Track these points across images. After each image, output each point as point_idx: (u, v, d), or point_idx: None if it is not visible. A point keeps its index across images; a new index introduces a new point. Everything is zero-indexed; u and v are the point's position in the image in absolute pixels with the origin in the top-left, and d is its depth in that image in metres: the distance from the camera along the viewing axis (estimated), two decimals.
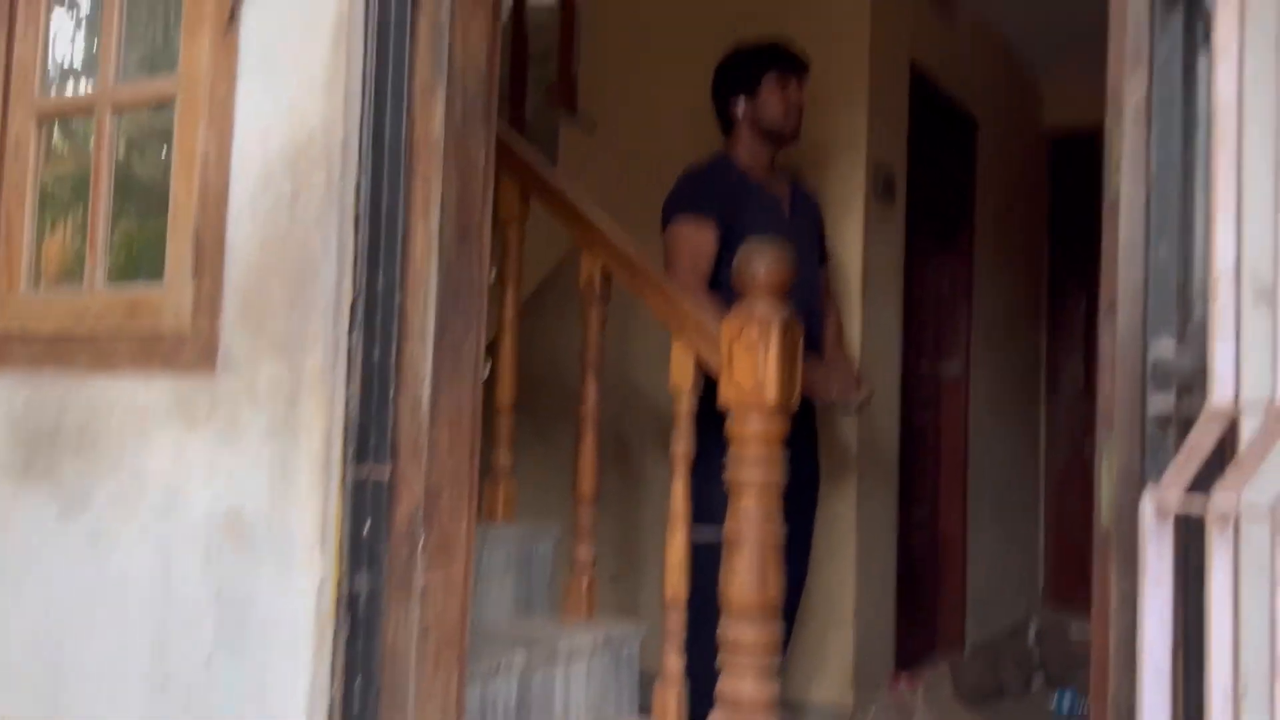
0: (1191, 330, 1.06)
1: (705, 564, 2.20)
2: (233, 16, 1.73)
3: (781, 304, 2.12)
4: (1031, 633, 4.81)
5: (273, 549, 1.67)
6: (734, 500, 2.09)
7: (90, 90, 2.11)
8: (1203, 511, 0.93)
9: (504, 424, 2.57)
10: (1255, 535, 0.97)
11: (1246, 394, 0.99)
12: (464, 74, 1.67)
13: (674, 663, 2.20)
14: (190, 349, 1.75)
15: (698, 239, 2.76)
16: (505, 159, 2.49)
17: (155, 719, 1.78)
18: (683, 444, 2.27)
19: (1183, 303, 1.07)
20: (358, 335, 1.62)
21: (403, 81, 1.63)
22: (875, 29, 3.40)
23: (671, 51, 3.71)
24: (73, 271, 2.14)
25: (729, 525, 2.09)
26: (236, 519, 1.70)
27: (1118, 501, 1.14)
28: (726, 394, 2.11)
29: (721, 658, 2.05)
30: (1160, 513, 0.99)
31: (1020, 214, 4.99)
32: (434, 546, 1.62)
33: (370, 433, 1.61)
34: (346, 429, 1.62)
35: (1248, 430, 1.01)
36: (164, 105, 1.88)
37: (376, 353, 1.62)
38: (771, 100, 2.87)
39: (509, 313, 2.57)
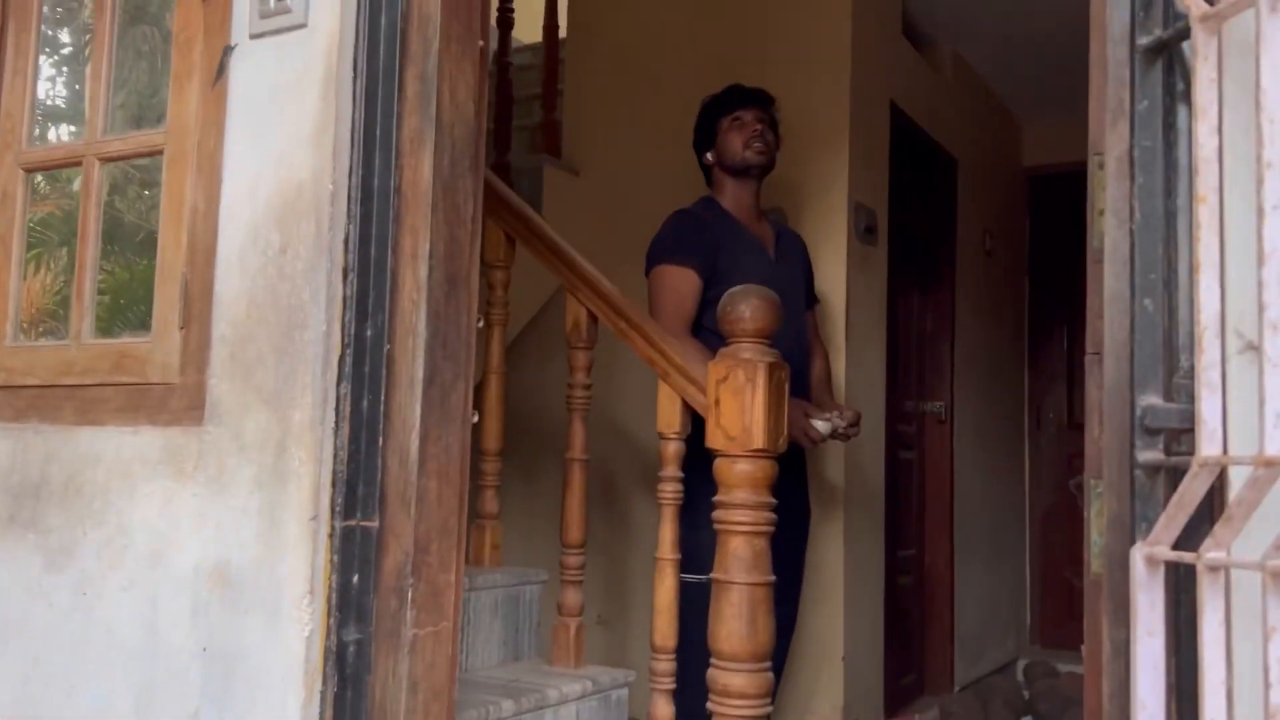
0: (1178, 381, 1.07)
1: (697, 604, 2.20)
2: (221, 69, 1.74)
3: (768, 347, 2.14)
4: (1020, 672, 4.80)
5: (260, 601, 1.66)
6: (722, 545, 2.09)
7: (77, 139, 2.11)
8: (1194, 563, 0.93)
9: (490, 468, 2.57)
10: (1247, 586, 0.97)
11: (1234, 445, 0.99)
12: (452, 126, 1.68)
13: (663, 709, 2.19)
14: (178, 400, 1.74)
15: (680, 282, 2.79)
16: (491, 203, 2.50)
17: None
18: (670, 487, 2.27)
19: (1169, 354, 1.08)
20: (346, 385, 1.62)
21: (391, 133, 1.64)
22: (856, 71, 3.44)
23: (655, 95, 3.74)
24: (59, 320, 2.14)
25: (717, 570, 2.09)
26: (224, 570, 1.69)
27: (1108, 549, 1.15)
28: (714, 437, 2.11)
29: (711, 704, 2.04)
30: (1151, 563, 0.99)
31: (1001, 251, 5.03)
32: (423, 598, 1.61)
33: (359, 483, 1.60)
34: (335, 479, 1.61)
35: (1237, 481, 1.02)
36: (152, 157, 1.88)
37: (365, 403, 1.62)
38: (729, 139, 2.94)
39: (495, 357, 2.58)
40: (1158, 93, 1.11)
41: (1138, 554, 1.00)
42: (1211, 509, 1.06)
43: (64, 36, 2.38)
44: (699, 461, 2.20)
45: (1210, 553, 0.92)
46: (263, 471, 1.66)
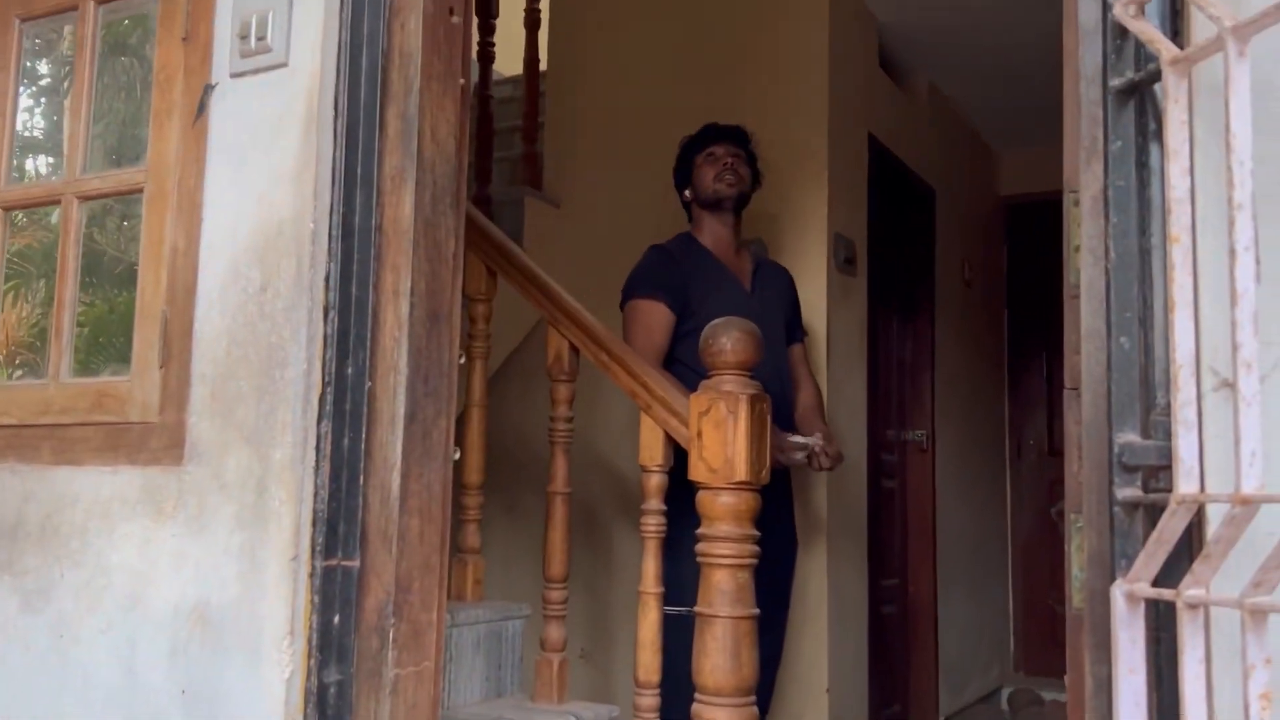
0: (1155, 418, 1.08)
1: (682, 637, 2.19)
2: (201, 108, 1.75)
3: (749, 379, 2.14)
4: (1005, 701, 4.80)
5: (241, 641, 1.64)
6: (705, 578, 2.08)
7: (56, 177, 2.10)
8: (1174, 600, 0.93)
9: (472, 502, 2.56)
10: (1226, 623, 0.98)
11: (1211, 482, 1.00)
12: (433, 163, 1.69)
13: None
14: (157, 439, 1.73)
15: (650, 316, 2.81)
16: (471, 236, 2.50)
17: None
18: (652, 520, 2.27)
19: (1146, 390, 1.09)
20: (327, 424, 1.61)
21: (372, 172, 1.64)
22: (834, 104, 3.47)
23: (635, 127, 3.76)
24: (35, 354, 2.12)
25: (700, 604, 2.09)
26: (204, 611, 1.67)
27: (1088, 584, 1.15)
28: (696, 470, 2.11)
29: None
30: (1131, 600, 1.00)
31: (980, 280, 5.07)
32: (404, 638, 1.59)
33: (339, 522, 1.59)
34: (316, 518, 1.60)
35: (1215, 518, 1.03)
36: (132, 195, 1.88)
37: (346, 440, 1.61)
38: (703, 173, 2.98)
39: (477, 390, 2.57)
40: (1130, 133, 1.12)
41: (1118, 591, 1.01)
42: (1191, 545, 1.07)
43: (42, 68, 2.37)
44: (682, 493, 2.20)
45: (1189, 590, 0.92)
46: (243, 511, 1.65)
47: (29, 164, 2.39)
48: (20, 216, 2.25)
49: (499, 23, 3.92)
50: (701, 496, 2.11)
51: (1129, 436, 1.08)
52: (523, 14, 3.94)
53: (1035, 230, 5.20)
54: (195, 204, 1.75)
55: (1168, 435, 1.03)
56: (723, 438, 2.09)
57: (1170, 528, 0.97)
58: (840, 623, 3.41)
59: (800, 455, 2.78)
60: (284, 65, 1.71)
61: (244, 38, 1.74)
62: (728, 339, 2.14)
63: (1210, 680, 0.98)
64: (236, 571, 1.64)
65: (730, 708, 2.01)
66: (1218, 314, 1.04)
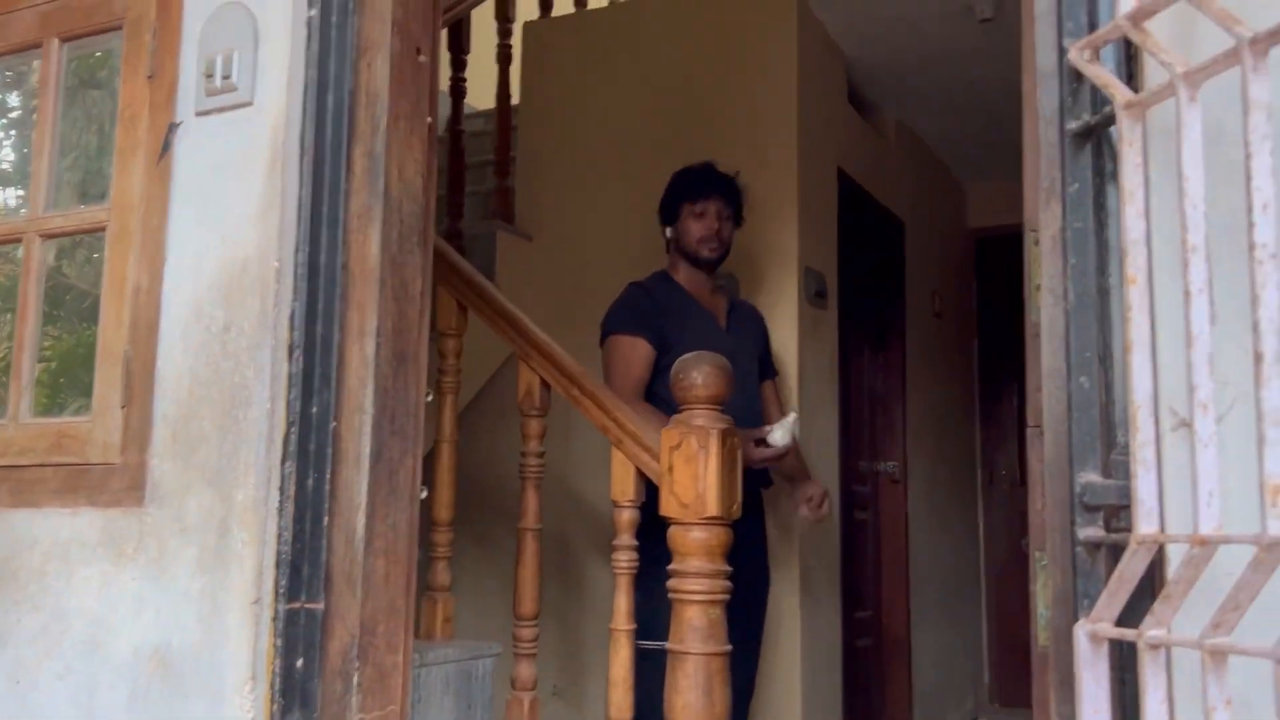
0: (1115, 458, 1.09)
1: (656, 672, 2.18)
2: (166, 146, 1.74)
3: (721, 413, 2.14)
4: None
5: (201, 686, 1.61)
6: (677, 614, 2.07)
7: (19, 215, 2.08)
8: (1135, 640, 0.94)
9: (442, 539, 2.54)
10: (1188, 664, 0.98)
11: (1171, 522, 1.01)
12: (400, 202, 1.69)
13: None
14: (118, 480, 1.71)
15: (630, 351, 2.83)
16: (442, 271, 2.50)
17: None
18: (624, 556, 2.25)
19: (1106, 430, 1.10)
20: (291, 464, 1.60)
21: (338, 210, 1.64)
22: (803, 139, 3.50)
23: (607, 161, 3.78)
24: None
25: (672, 640, 2.07)
26: (164, 655, 1.64)
27: (1053, 624, 1.15)
28: (668, 505, 2.11)
29: None
30: (1094, 641, 1.00)
31: (950, 312, 5.11)
32: (369, 681, 1.57)
33: (303, 564, 1.58)
34: (279, 561, 1.58)
35: (1175, 558, 1.04)
36: (95, 233, 1.86)
37: (310, 481, 1.59)
38: (687, 226, 2.96)
39: (447, 425, 2.56)
40: (1088, 175, 1.14)
41: (1081, 632, 1.01)
42: (1153, 584, 1.07)
43: (13, 100, 2.36)
44: (656, 528, 2.20)
45: (1151, 631, 0.92)
46: (204, 553, 1.62)
47: (0, 196, 2.37)
48: None
49: (471, 58, 3.94)
50: (673, 532, 2.10)
51: (1090, 476, 1.08)
52: (495, 49, 3.96)
53: (1004, 262, 5.23)
54: (159, 242, 1.74)
55: (1128, 475, 1.04)
56: (694, 472, 2.09)
57: (1131, 568, 0.97)
58: (814, 655, 3.40)
59: (778, 437, 2.73)
60: (249, 104, 1.71)
61: (209, 76, 1.74)
62: (699, 373, 2.14)
63: None
64: (197, 615, 1.62)
65: None
66: (1175, 354, 1.04)
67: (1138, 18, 1.03)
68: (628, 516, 2.27)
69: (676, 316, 2.88)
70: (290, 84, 1.69)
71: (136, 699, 1.67)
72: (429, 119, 1.77)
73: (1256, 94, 0.87)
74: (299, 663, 1.56)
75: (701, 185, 2.96)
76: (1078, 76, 1.14)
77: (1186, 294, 0.92)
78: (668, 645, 2.09)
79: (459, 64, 3.89)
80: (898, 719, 4.26)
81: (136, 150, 1.80)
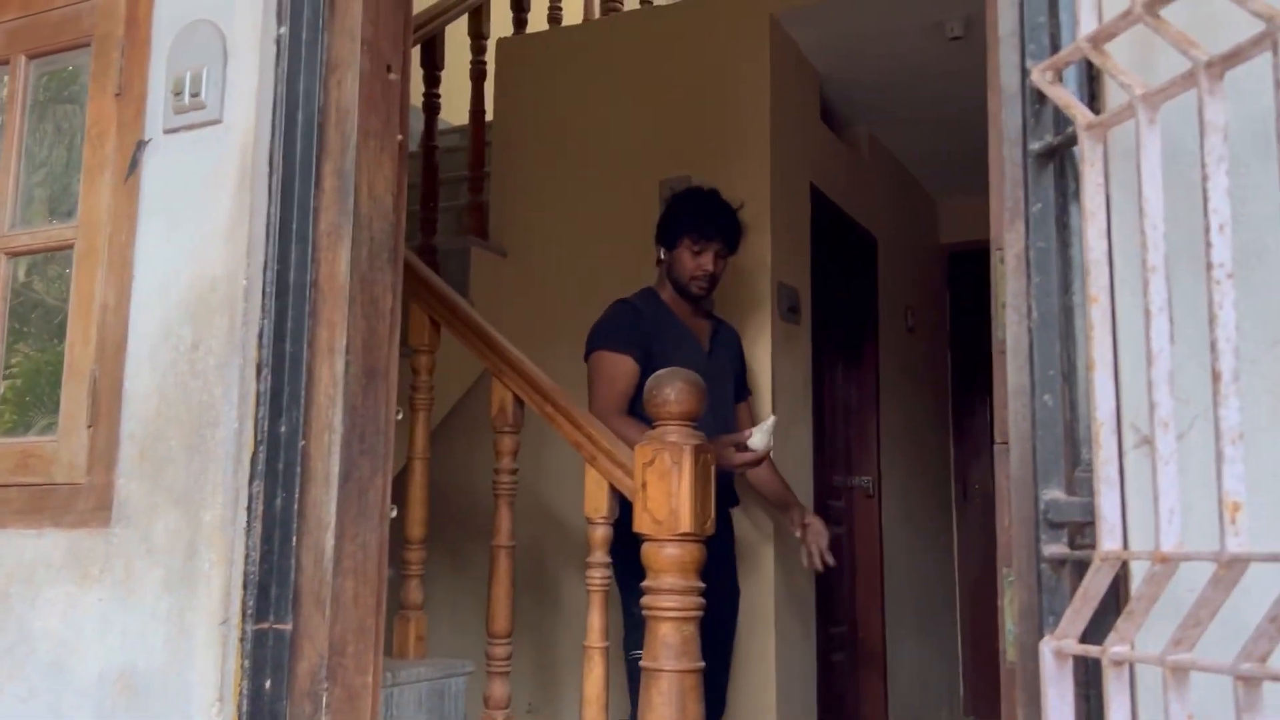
0: (1079, 475, 1.09)
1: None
2: (134, 164, 1.73)
3: (694, 429, 2.14)
4: None
5: (168, 708, 1.60)
6: (651, 631, 2.07)
7: None
8: (1100, 657, 0.94)
9: (414, 557, 2.52)
10: (1151, 680, 0.99)
11: (1135, 539, 1.02)
12: (370, 219, 1.68)
13: None
14: (84, 500, 1.69)
15: (615, 368, 2.81)
16: (414, 287, 2.50)
17: None
18: (598, 573, 2.25)
19: (1070, 447, 1.11)
20: (259, 484, 1.59)
21: (307, 228, 1.63)
22: (776, 155, 3.52)
23: (581, 178, 3.79)
24: None
25: (646, 657, 2.07)
26: (130, 678, 1.62)
27: (1020, 640, 1.16)
28: (641, 521, 2.11)
29: None
30: (1059, 657, 1.00)
31: (923, 327, 5.14)
32: (338, 702, 1.56)
33: (271, 584, 1.56)
34: (247, 581, 1.57)
35: (1139, 574, 1.04)
36: (63, 251, 1.85)
37: (279, 501, 1.58)
38: (683, 259, 2.94)
39: (419, 442, 2.55)
40: (1050, 195, 1.15)
41: (1046, 648, 1.01)
42: (1118, 600, 1.08)
43: None
44: (632, 542, 2.20)
45: (1114, 647, 0.93)
46: (171, 574, 1.61)
47: None
48: None
49: (445, 73, 3.95)
50: (647, 548, 2.10)
51: (1054, 493, 1.09)
52: (468, 65, 3.96)
53: (976, 277, 5.26)
54: (126, 261, 1.73)
55: (1091, 492, 1.05)
56: (667, 489, 2.09)
57: (1095, 584, 0.98)
58: (788, 669, 3.39)
59: (760, 441, 2.71)
60: (218, 122, 1.70)
61: (178, 94, 1.73)
62: (672, 390, 2.14)
63: None
64: (164, 637, 1.60)
65: None
66: (1137, 372, 1.06)
67: (1098, 40, 1.05)
68: (601, 533, 2.27)
69: (662, 336, 2.89)
70: (259, 101, 1.68)
71: None
72: (399, 136, 1.76)
73: (1212, 116, 0.88)
74: (267, 684, 1.55)
75: (707, 228, 2.92)
76: (1040, 98, 1.15)
77: (1147, 313, 0.92)
78: (641, 662, 2.09)
79: (433, 80, 3.89)
80: None
81: (104, 168, 1.79)
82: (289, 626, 1.55)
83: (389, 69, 1.76)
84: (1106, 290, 1.01)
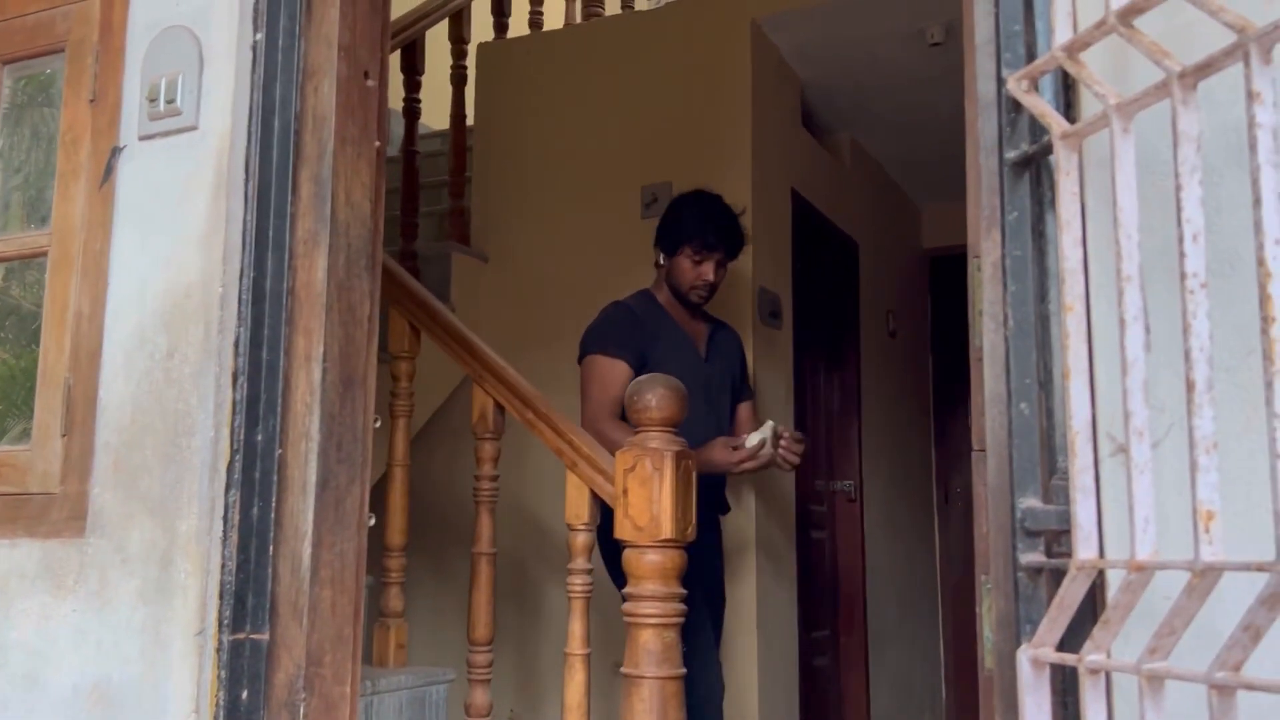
0: (1056, 483, 1.10)
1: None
2: (108, 170, 1.72)
3: (674, 436, 2.14)
4: None
5: None
6: (632, 638, 2.07)
7: None
8: (1076, 665, 0.94)
9: (395, 564, 2.51)
10: (1128, 688, 0.99)
11: (1111, 547, 1.02)
12: (347, 226, 1.67)
13: None
14: (58, 510, 1.67)
15: (608, 372, 2.75)
16: (394, 293, 2.49)
17: None
18: (579, 580, 2.25)
19: (1047, 455, 1.11)
20: (235, 493, 1.57)
21: (284, 235, 1.62)
22: (757, 161, 3.53)
23: (563, 182, 3.78)
24: None
25: (627, 664, 2.06)
26: (105, 690, 1.61)
27: (997, 648, 1.16)
28: (622, 528, 2.10)
29: None
30: (1036, 665, 1.00)
31: (904, 331, 5.15)
32: (316, 713, 1.55)
33: (248, 594, 1.55)
34: (223, 591, 1.56)
35: (1115, 582, 1.05)
36: (37, 258, 1.83)
37: (255, 510, 1.57)
38: (682, 267, 2.88)
39: (399, 449, 2.54)
40: (1026, 204, 1.15)
41: (1024, 656, 1.01)
42: (1094, 608, 1.08)
43: None
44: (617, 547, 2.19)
45: (1090, 656, 0.93)
46: (147, 585, 1.59)
47: None
48: None
49: (425, 78, 3.94)
50: (628, 555, 2.10)
51: (1030, 501, 1.09)
52: (449, 70, 3.96)
53: (957, 282, 5.28)
54: (101, 268, 1.71)
55: (1068, 500, 1.05)
56: (648, 495, 2.08)
57: (1071, 593, 0.98)
58: (771, 674, 3.39)
59: (759, 455, 2.66)
60: (194, 128, 1.69)
61: (153, 100, 1.72)
62: (653, 396, 2.14)
63: None
64: (139, 648, 1.59)
65: None
66: (1113, 380, 1.06)
67: (1073, 49, 1.05)
68: (582, 540, 2.26)
69: (657, 340, 2.84)
70: (235, 108, 1.67)
71: None
72: (377, 143, 1.75)
73: (1186, 127, 0.88)
74: (243, 695, 1.53)
75: (710, 237, 2.85)
76: (1016, 106, 1.16)
77: (1122, 322, 0.93)
78: (622, 669, 2.08)
79: (413, 84, 3.88)
80: None
81: (78, 174, 1.77)
82: (266, 636, 1.53)
83: (366, 75, 1.75)
84: (1082, 299, 1.01)
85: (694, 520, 2.17)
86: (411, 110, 3.86)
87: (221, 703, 1.53)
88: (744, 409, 3.10)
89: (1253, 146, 0.82)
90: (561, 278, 3.68)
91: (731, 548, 3.29)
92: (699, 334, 2.98)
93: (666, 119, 3.62)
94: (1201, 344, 0.86)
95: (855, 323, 4.54)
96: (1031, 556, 1.08)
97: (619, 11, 4.07)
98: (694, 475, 2.18)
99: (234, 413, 1.60)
